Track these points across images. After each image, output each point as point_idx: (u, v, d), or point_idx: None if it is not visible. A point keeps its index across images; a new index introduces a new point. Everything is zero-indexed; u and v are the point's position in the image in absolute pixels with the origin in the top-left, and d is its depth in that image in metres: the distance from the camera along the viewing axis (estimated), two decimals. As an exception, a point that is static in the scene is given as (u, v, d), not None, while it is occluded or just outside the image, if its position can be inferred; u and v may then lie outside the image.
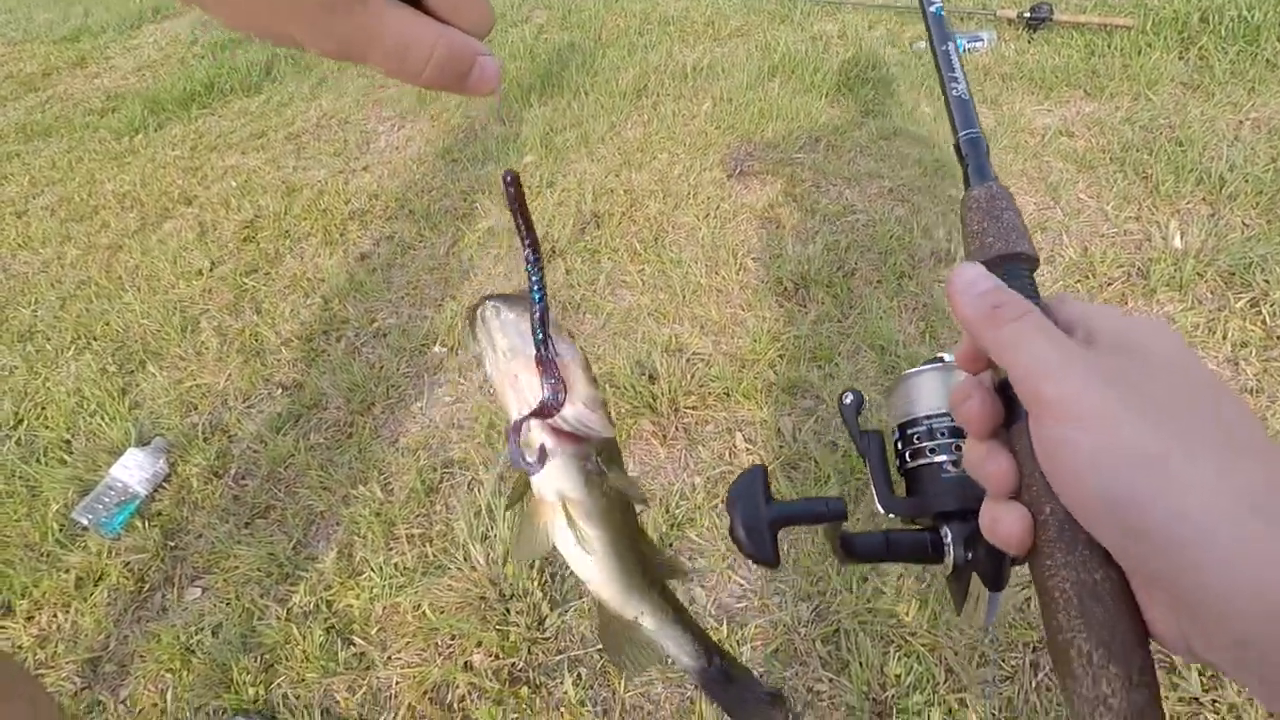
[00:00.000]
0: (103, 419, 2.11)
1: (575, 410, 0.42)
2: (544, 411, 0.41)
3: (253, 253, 2.72)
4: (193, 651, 1.52)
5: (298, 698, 1.41)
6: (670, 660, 0.55)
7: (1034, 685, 1.24)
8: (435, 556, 1.59)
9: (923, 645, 1.30)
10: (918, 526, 0.48)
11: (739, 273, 2.20)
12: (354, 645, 1.48)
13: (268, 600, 1.59)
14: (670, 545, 1.54)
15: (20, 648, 1.60)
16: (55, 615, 1.66)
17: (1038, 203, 2.30)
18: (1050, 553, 0.32)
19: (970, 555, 0.44)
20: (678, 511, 1.59)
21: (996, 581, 0.43)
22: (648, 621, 0.52)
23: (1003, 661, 1.27)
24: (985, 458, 0.35)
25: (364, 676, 1.43)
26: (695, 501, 1.60)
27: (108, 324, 2.49)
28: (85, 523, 1.80)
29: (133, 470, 1.89)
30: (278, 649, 1.49)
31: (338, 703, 1.40)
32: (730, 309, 2.09)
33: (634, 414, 1.81)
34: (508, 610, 1.44)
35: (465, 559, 1.55)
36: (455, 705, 1.35)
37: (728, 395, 1.81)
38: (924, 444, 0.49)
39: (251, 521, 1.80)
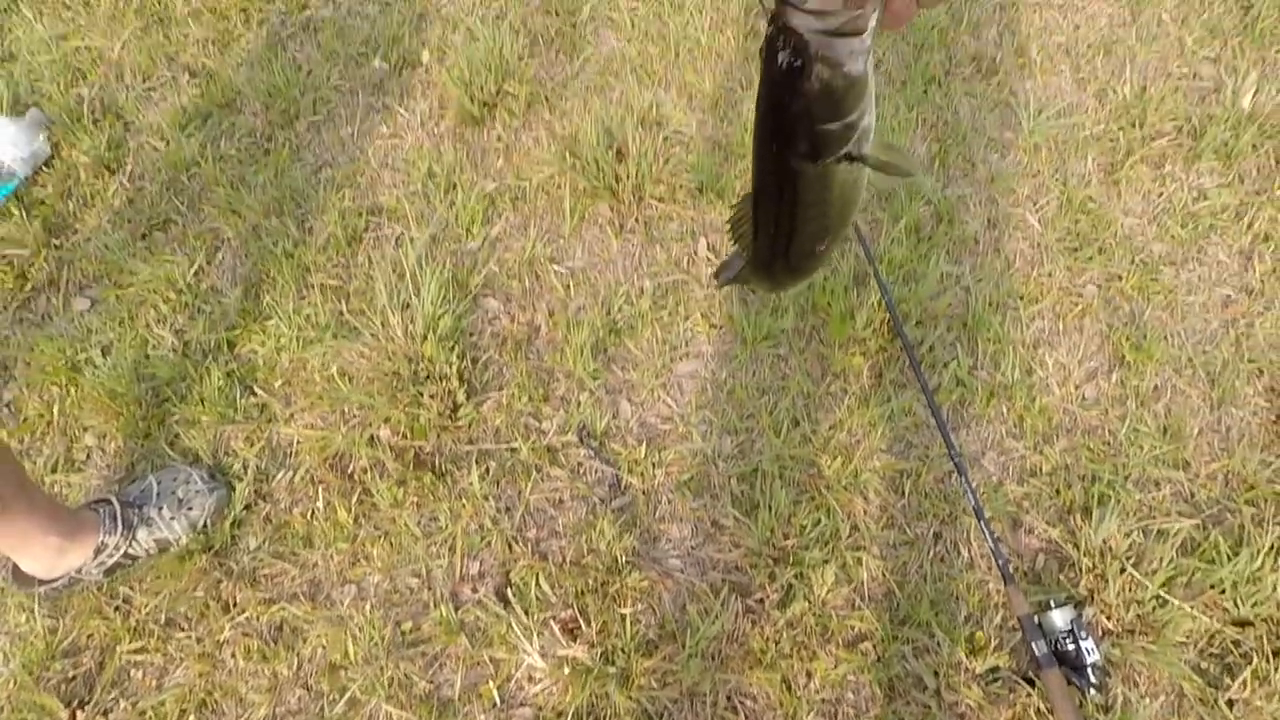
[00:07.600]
0: (-33, 70, 1.77)
1: None
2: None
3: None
4: (80, 370, 1.42)
5: (191, 438, 1.35)
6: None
7: (931, 555, 1.26)
8: (349, 317, 1.46)
9: (835, 500, 1.28)
10: None
11: (748, 38, 1.85)
12: (255, 395, 1.39)
13: (163, 330, 1.46)
14: (605, 352, 1.43)
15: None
16: (-76, 302, 1.51)
17: (1112, 15, 1.93)
18: None
19: None
20: (619, 316, 1.47)
21: None
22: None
23: (908, 527, 1.28)
24: None
25: (263, 429, 1.36)
26: (640, 308, 1.47)
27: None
28: (-49, 201, 1.58)
29: (4, 145, 1.62)
30: (173, 384, 1.40)
31: (234, 451, 1.34)
32: (728, 82, 1.78)
33: (591, 194, 1.60)
34: (420, 392, 1.35)
35: (383, 326, 1.42)
36: (356, 476, 1.32)
37: (700, 191, 1.60)
38: None
39: (149, 234, 1.60)
